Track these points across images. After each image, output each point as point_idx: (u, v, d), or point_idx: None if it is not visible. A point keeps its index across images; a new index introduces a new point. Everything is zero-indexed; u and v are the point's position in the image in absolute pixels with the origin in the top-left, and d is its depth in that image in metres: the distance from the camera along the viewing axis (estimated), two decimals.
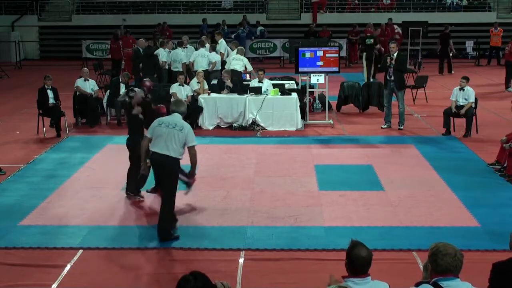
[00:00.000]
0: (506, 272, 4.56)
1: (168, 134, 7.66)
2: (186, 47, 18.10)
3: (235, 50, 16.86)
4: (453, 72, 22.85)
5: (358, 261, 4.41)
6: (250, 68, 16.51)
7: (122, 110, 14.75)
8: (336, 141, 13.02)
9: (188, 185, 8.73)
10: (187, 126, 7.81)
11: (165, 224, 7.81)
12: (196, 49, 17.55)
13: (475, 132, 13.25)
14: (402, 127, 13.81)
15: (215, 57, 17.16)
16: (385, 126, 14.01)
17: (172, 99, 14.28)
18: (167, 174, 7.77)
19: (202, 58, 16.80)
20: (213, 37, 19.80)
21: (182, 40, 18.36)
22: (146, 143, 8.03)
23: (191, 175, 8.22)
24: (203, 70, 15.49)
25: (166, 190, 7.90)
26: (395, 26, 25.32)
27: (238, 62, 16.27)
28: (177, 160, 7.76)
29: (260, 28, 27.05)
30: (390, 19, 25.82)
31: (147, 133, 8.06)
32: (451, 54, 23.47)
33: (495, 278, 4.58)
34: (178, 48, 17.93)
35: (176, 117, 7.87)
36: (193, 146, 7.77)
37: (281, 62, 25.91)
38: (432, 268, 4.33)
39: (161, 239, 7.76)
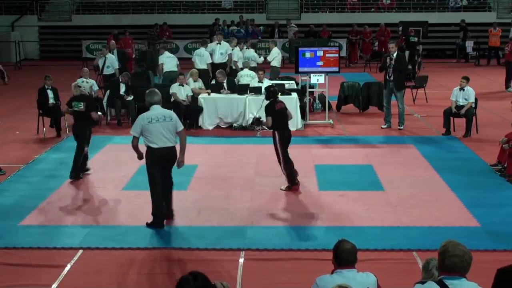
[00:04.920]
0: (510, 276, 4.50)
1: (163, 128, 8.00)
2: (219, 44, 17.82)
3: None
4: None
5: (343, 253, 4.70)
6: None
7: (122, 110, 14.79)
8: (336, 141, 13.01)
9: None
10: (172, 113, 8.26)
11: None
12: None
13: (475, 132, 13.24)
14: (402, 127, 13.80)
15: (209, 56, 17.12)
16: (385, 126, 14.00)
17: (172, 99, 14.34)
18: (173, 162, 8.26)
19: (200, 57, 16.82)
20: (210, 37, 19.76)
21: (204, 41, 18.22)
22: (136, 143, 8.10)
23: (181, 161, 8.26)
24: (202, 69, 15.47)
25: (170, 177, 8.40)
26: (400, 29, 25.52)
27: (246, 78, 16.00)
28: (175, 148, 8.24)
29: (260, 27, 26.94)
30: (401, 21, 25.88)
31: (133, 132, 8.07)
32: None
33: (499, 283, 4.54)
34: (201, 47, 17.62)
35: (159, 109, 8.17)
36: (183, 129, 8.29)
37: (281, 62, 25.82)
38: (439, 265, 4.34)
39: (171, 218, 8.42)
